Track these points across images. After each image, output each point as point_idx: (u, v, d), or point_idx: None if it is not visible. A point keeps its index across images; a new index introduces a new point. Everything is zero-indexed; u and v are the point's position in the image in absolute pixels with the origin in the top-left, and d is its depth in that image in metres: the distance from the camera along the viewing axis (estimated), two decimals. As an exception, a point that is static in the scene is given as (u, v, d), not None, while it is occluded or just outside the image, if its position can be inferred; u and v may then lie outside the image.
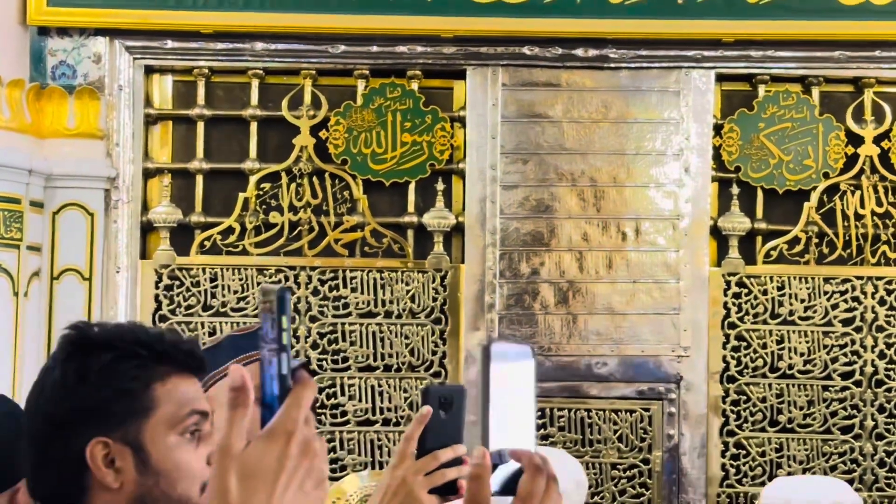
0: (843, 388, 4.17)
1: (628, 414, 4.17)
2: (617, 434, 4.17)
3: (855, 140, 4.23)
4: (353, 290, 4.24)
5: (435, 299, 4.23)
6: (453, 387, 1.93)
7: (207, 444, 1.47)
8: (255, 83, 4.27)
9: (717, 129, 4.23)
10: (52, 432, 1.44)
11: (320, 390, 4.09)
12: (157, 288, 4.22)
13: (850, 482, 4.13)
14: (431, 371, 4.20)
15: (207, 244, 4.26)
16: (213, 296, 4.22)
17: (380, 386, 4.19)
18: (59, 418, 1.43)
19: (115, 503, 1.42)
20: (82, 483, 1.42)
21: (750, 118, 4.23)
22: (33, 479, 1.49)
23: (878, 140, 4.22)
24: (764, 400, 4.17)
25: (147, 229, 4.27)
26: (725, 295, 4.20)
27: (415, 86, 4.26)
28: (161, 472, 1.44)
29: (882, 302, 4.18)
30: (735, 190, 4.23)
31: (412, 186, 4.26)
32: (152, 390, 1.44)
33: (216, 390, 2.13)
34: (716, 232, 4.23)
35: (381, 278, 4.24)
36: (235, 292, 4.22)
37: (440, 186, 4.25)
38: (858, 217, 4.21)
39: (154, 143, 4.33)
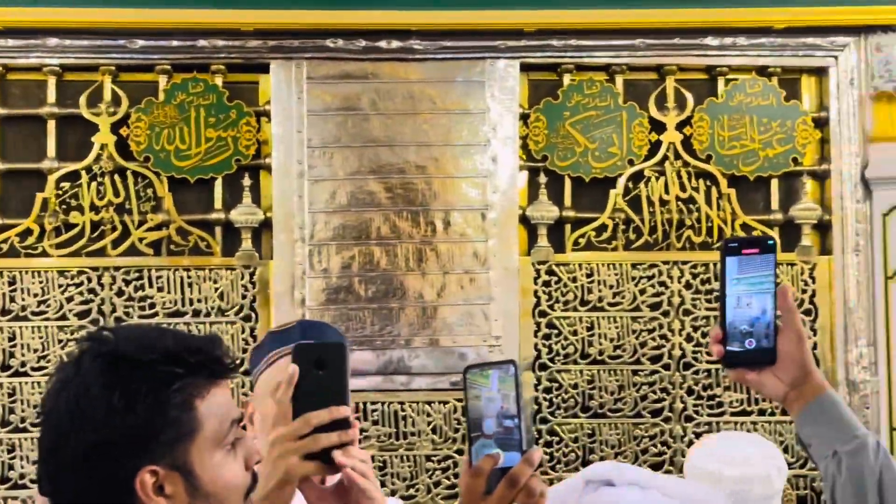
0: (653, 372, 4.23)
1: (441, 405, 4.15)
2: (431, 426, 4.15)
3: (658, 127, 4.28)
4: (160, 289, 4.14)
5: (244, 296, 4.15)
6: (329, 343, 1.76)
7: (243, 446, 1.45)
8: (51, 80, 4.14)
9: (524, 118, 4.25)
10: (96, 457, 1.37)
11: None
12: (-49, 294, 4.05)
13: (661, 464, 4.22)
14: (242, 369, 4.12)
15: (5, 247, 4.11)
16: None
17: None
18: (104, 444, 1.37)
19: None
20: None
21: (555, 107, 4.25)
22: (71, 499, 1.41)
23: (680, 126, 4.28)
24: (576, 386, 4.20)
25: (-59, 234, 4.11)
26: (535, 283, 4.22)
27: (218, 81, 4.18)
28: (211, 494, 1.41)
29: (688, 286, 4.24)
30: (543, 179, 4.25)
31: (218, 183, 4.18)
32: (196, 410, 1.40)
33: (260, 381, 2.18)
34: (525, 221, 4.25)
35: (189, 277, 4.15)
36: (35, 295, 4.08)
37: (247, 182, 4.18)
38: (663, 203, 4.27)
39: (-54, 143, 4.16)
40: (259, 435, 2.09)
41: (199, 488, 1.39)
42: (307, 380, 1.51)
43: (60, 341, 4.07)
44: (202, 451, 1.40)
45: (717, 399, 4.23)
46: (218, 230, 4.19)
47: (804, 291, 4.24)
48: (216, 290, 4.15)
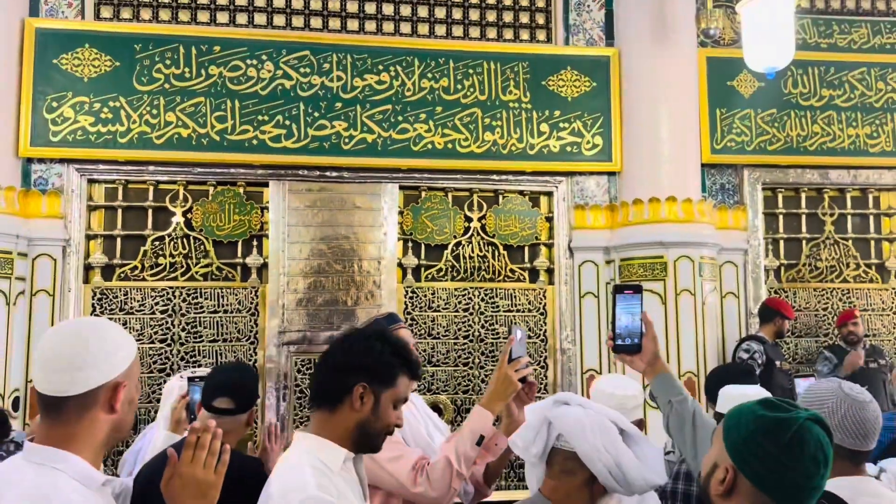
0: (464, 346, 8.15)
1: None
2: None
3: (468, 219, 8.24)
4: (207, 298, 7.75)
5: (253, 302, 7.81)
6: (521, 327, 3.03)
7: (399, 412, 2.37)
8: (151, 188, 7.75)
9: (401, 213, 8.10)
10: (349, 371, 2.24)
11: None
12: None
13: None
14: (249, 340, 7.79)
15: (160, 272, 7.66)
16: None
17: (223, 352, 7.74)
18: (353, 366, 2.24)
19: (350, 418, 2.22)
20: (342, 398, 2.25)
21: (417, 208, 8.13)
22: (317, 387, 2.28)
23: (480, 219, 8.25)
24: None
25: (87, 268, 7.62)
26: (405, 298, 8.05)
27: (241, 190, 7.87)
28: (380, 416, 2.29)
29: (483, 300, 8.18)
30: (410, 245, 8.12)
31: (239, 243, 7.85)
32: (399, 377, 2.33)
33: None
34: (400, 266, 8.08)
35: (222, 292, 7.77)
36: (138, 301, 7.65)
37: (255, 243, 7.87)
38: (471, 258, 8.21)
39: (94, 220, 7.69)
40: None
41: (377, 412, 2.27)
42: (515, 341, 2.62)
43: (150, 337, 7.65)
44: (388, 396, 2.29)
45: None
46: (239, 268, 7.85)
47: (541, 303, 8.26)
48: (237, 299, 7.80)
